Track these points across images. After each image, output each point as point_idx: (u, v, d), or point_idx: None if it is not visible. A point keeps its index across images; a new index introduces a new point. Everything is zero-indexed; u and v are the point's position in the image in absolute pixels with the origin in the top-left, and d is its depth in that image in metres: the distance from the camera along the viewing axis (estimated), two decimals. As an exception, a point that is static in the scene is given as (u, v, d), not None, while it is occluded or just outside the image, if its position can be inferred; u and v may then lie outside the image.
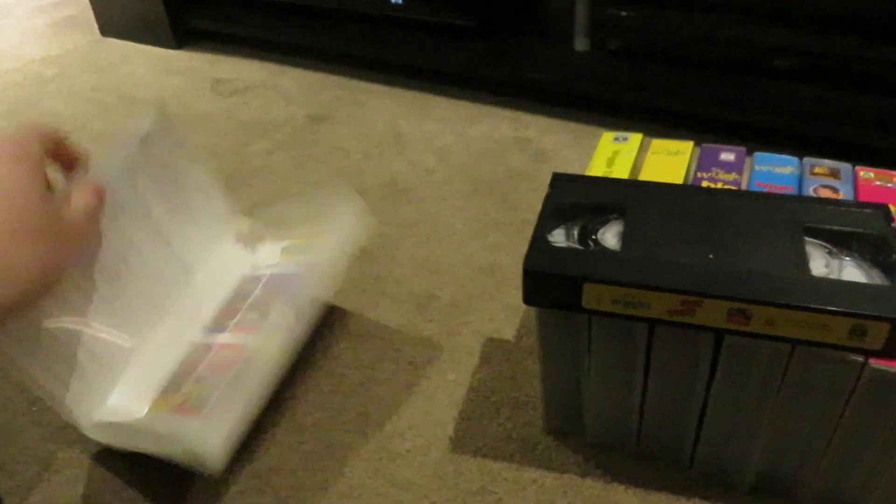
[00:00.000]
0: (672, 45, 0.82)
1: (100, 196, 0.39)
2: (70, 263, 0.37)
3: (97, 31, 1.17)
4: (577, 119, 0.84)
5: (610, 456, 0.43)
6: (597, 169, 0.48)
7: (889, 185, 0.44)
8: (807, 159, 0.47)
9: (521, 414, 0.46)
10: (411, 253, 0.62)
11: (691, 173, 0.47)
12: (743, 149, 0.49)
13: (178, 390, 0.45)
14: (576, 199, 0.40)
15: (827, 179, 0.45)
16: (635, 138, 0.51)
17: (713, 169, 0.47)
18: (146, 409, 0.44)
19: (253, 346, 0.45)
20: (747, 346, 0.34)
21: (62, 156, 0.39)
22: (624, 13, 0.82)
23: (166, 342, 0.48)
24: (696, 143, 0.50)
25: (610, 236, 0.38)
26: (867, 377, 0.32)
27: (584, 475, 0.42)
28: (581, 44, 0.88)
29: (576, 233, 0.39)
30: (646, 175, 0.47)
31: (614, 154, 0.49)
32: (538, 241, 0.37)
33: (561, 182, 0.42)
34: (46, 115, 0.92)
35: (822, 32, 0.73)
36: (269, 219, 0.55)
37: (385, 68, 0.99)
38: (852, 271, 0.35)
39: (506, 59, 0.89)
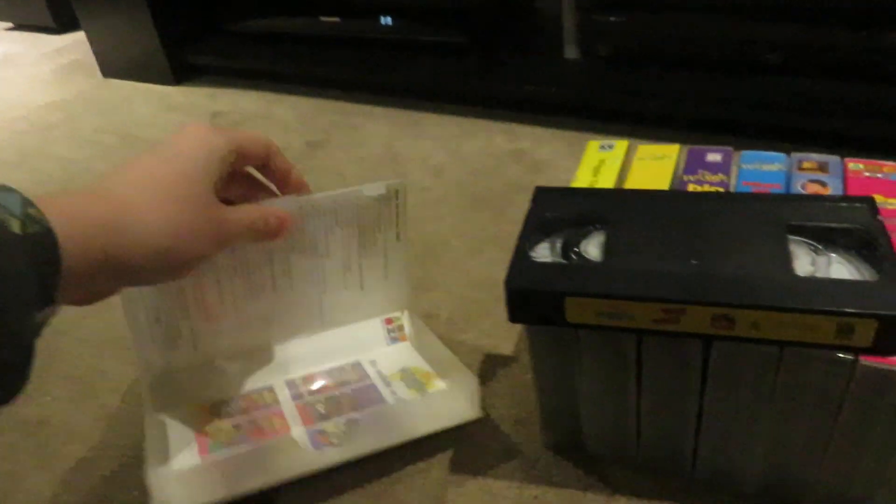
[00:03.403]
0: (661, 48, 0.82)
1: (278, 224, 0.40)
2: (203, 258, 0.37)
3: (99, 74, 1.20)
4: (571, 127, 0.84)
5: (611, 468, 0.42)
6: (582, 179, 0.47)
7: (878, 175, 0.44)
8: (795, 154, 0.47)
9: (521, 430, 0.46)
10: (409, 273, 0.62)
11: (678, 177, 0.47)
12: (729, 149, 0.49)
13: (220, 416, 0.47)
14: (558, 212, 0.40)
15: (815, 174, 0.44)
16: (621, 145, 0.51)
17: (699, 171, 0.47)
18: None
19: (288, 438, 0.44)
20: (735, 351, 0.33)
21: (274, 171, 0.42)
22: (611, 18, 0.82)
23: (245, 370, 0.50)
24: (684, 145, 0.50)
25: (592, 248, 0.38)
26: (859, 376, 0.32)
27: (585, 489, 0.41)
28: (570, 52, 0.88)
29: (559, 246, 0.39)
30: (632, 182, 0.47)
31: (600, 163, 0.49)
32: (519, 258, 0.37)
33: (543, 195, 0.42)
34: (53, 160, 0.94)
35: (809, 23, 0.72)
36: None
37: (379, 90, 0.99)
38: (839, 268, 0.34)
39: (497, 72, 0.90)
